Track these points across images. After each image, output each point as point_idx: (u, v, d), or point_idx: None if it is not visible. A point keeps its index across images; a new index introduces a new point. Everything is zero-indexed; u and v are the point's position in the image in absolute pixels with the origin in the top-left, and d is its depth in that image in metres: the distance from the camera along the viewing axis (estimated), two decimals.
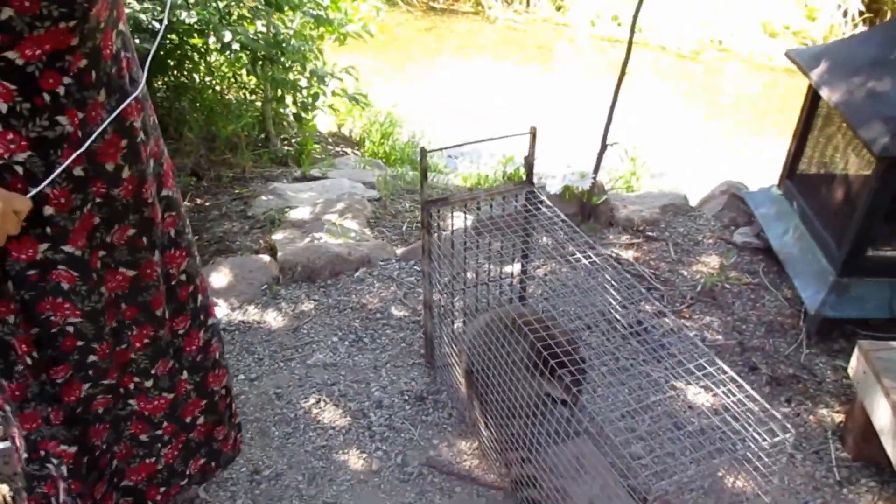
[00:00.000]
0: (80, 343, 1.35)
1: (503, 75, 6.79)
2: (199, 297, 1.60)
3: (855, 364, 2.01)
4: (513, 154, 4.59)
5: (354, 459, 2.02)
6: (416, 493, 1.93)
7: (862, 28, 6.93)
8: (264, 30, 3.14)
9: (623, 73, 2.73)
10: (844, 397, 2.27)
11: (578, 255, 1.90)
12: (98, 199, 1.29)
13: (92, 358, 1.39)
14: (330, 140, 5.04)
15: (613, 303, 1.84)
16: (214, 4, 2.92)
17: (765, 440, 1.40)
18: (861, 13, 6.95)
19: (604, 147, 2.87)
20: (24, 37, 1.07)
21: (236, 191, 3.63)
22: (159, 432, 1.60)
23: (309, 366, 2.33)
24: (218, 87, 4.28)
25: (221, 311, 2.54)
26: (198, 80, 4.09)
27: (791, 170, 2.75)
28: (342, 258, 2.74)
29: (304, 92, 3.64)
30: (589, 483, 1.91)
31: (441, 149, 2.07)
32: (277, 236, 3.05)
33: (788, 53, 2.58)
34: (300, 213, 3.25)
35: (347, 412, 2.16)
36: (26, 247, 1.22)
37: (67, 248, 1.26)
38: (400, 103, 5.45)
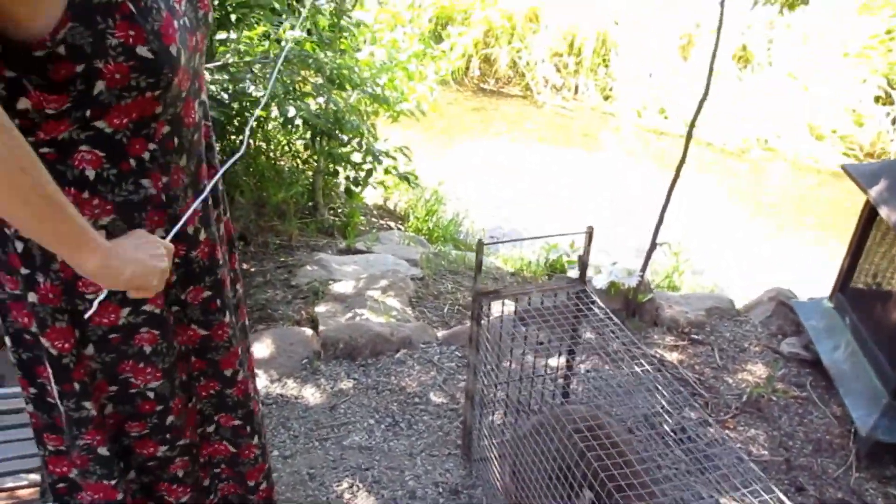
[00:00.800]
0: (159, 407, 1.35)
1: (548, 159, 6.87)
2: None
3: None
4: (556, 242, 4.61)
5: None
6: None
7: None
8: (324, 105, 3.23)
9: (677, 175, 2.75)
10: None
11: (624, 355, 1.88)
12: (176, 260, 1.30)
13: (170, 419, 1.39)
14: (375, 213, 5.12)
15: (657, 407, 1.80)
16: (280, 79, 3.02)
17: None
18: None
19: (653, 246, 2.87)
20: (112, 106, 1.09)
21: (282, 258, 3.68)
22: (217, 470, 1.59)
23: (344, 447, 2.30)
24: (272, 155, 4.39)
25: (261, 382, 2.54)
26: (253, 146, 4.20)
27: (844, 283, 2.70)
28: (384, 338, 2.73)
29: (358, 167, 3.71)
30: None
31: (498, 242, 2.08)
32: (320, 309, 3.06)
33: (846, 168, 2.58)
34: (343, 287, 3.27)
35: (380, 500, 2.12)
36: (108, 311, 1.23)
37: (147, 308, 1.26)
38: (445, 180, 5.53)
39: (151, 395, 1.34)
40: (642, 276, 2.90)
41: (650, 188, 6.53)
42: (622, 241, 5.61)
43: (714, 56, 2.62)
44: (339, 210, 4.62)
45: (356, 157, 3.71)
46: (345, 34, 3.93)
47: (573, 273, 4.13)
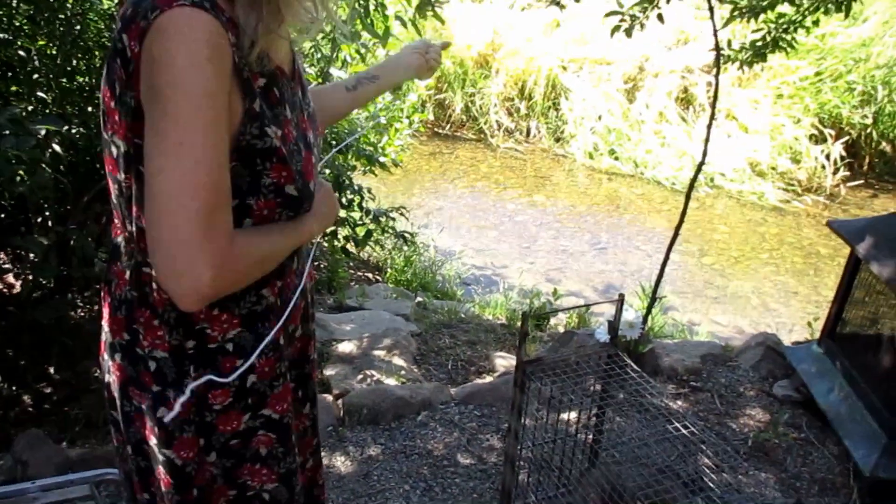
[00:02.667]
0: None
1: (507, 202, 7.06)
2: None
3: None
4: (538, 290, 4.74)
5: None
6: None
7: (844, 172, 7.40)
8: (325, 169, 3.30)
9: (676, 233, 2.90)
10: None
11: (656, 414, 1.99)
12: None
13: None
14: (351, 264, 5.16)
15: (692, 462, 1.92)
16: None
17: None
18: (842, 157, 7.42)
19: (653, 300, 3.02)
20: None
21: None
22: None
23: None
24: None
25: None
26: None
27: (832, 330, 2.90)
28: (405, 401, 2.79)
29: (357, 229, 3.78)
30: None
31: (545, 313, 2.18)
32: (329, 371, 3.09)
33: (831, 226, 2.79)
34: (347, 347, 3.31)
35: None
36: (232, 419, 1.26)
37: (265, 412, 1.30)
38: (415, 228, 5.63)
39: (267, 496, 1.37)
40: (644, 329, 3.04)
41: (606, 228, 6.79)
42: (587, 281, 5.81)
43: (710, 125, 2.80)
44: (319, 263, 4.66)
45: (352, 217, 3.78)
46: None
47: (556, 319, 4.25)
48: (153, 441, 1.26)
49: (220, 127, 1.00)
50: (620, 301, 2.20)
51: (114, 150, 1.10)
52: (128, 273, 1.19)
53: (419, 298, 4.46)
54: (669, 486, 2.27)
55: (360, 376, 3.07)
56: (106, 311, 1.26)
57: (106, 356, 1.29)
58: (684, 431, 2.01)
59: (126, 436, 1.30)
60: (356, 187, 3.33)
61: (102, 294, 1.28)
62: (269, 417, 1.32)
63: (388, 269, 5.06)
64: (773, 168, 7.52)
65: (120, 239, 1.21)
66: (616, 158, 7.80)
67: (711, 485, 2.48)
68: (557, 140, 8.18)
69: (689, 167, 7.48)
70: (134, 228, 1.14)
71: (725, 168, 7.53)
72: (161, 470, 1.27)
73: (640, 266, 6.06)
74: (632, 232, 6.73)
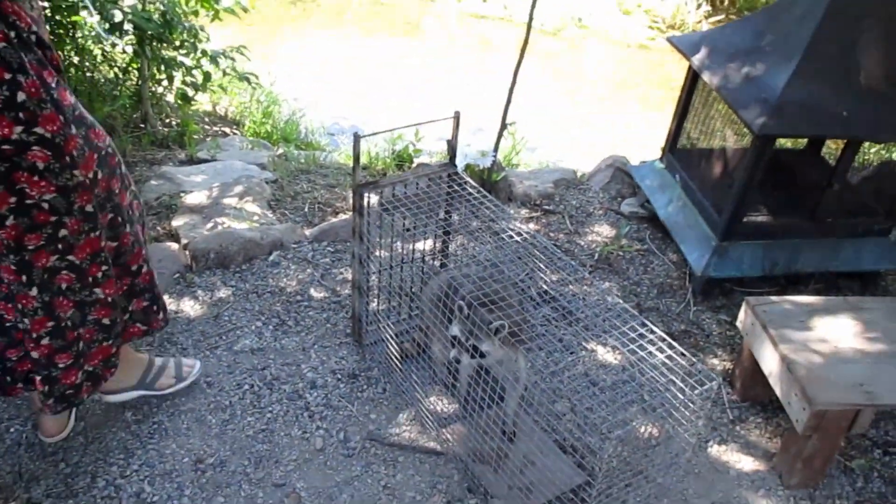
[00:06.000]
0: (53, 218, 1.54)
1: (373, 50, 6.81)
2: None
3: (743, 317, 2.28)
4: (400, 133, 4.65)
5: (297, 440, 2.06)
6: (362, 467, 2.01)
7: (706, 7, 7.50)
8: (147, 6, 3.01)
9: (521, 57, 2.88)
10: (729, 347, 2.56)
11: (499, 230, 2.03)
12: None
13: (63, 232, 1.57)
14: (207, 120, 4.89)
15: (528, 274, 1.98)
16: None
17: (694, 389, 1.59)
18: None
19: (503, 127, 3.01)
20: None
21: None
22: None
23: (236, 352, 2.33)
24: (87, 67, 4.04)
25: None
26: (63, 58, 3.84)
27: (672, 145, 3.00)
28: (255, 243, 2.72)
29: (196, 72, 3.52)
30: (523, 441, 2.07)
31: (375, 133, 2.13)
32: (177, 222, 2.97)
33: (671, 40, 2.81)
34: (196, 198, 3.18)
35: (283, 395, 2.20)
36: (3, 125, 1.40)
37: (38, 130, 1.45)
38: (274, 79, 5.35)
39: (46, 205, 1.53)
40: (495, 157, 3.05)
41: (477, 71, 6.69)
42: (465, 127, 5.76)
43: None
44: (171, 120, 4.38)
45: (188, 61, 3.50)
46: None
47: (420, 159, 4.23)
48: (18, 128, 1.43)
49: None
50: (456, 118, 2.17)
51: None
52: None
53: (280, 150, 4.31)
54: (515, 294, 2.34)
55: (210, 224, 2.96)
56: None
57: None
58: (523, 242, 2.05)
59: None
60: (186, 25, 3.07)
61: None
62: (41, 136, 1.47)
63: (247, 123, 4.83)
64: (639, 6, 7.54)
65: None
66: (484, 1, 7.58)
67: (558, 296, 2.59)
68: None
69: (560, 6, 7.40)
70: None
71: (594, 8, 7.49)
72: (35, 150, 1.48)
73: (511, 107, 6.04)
74: (503, 74, 6.63)
